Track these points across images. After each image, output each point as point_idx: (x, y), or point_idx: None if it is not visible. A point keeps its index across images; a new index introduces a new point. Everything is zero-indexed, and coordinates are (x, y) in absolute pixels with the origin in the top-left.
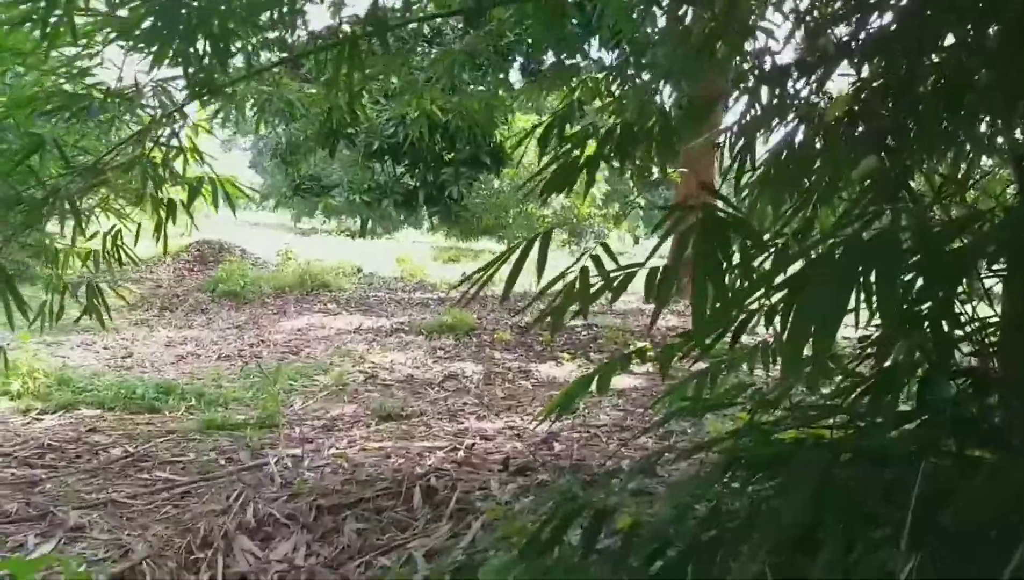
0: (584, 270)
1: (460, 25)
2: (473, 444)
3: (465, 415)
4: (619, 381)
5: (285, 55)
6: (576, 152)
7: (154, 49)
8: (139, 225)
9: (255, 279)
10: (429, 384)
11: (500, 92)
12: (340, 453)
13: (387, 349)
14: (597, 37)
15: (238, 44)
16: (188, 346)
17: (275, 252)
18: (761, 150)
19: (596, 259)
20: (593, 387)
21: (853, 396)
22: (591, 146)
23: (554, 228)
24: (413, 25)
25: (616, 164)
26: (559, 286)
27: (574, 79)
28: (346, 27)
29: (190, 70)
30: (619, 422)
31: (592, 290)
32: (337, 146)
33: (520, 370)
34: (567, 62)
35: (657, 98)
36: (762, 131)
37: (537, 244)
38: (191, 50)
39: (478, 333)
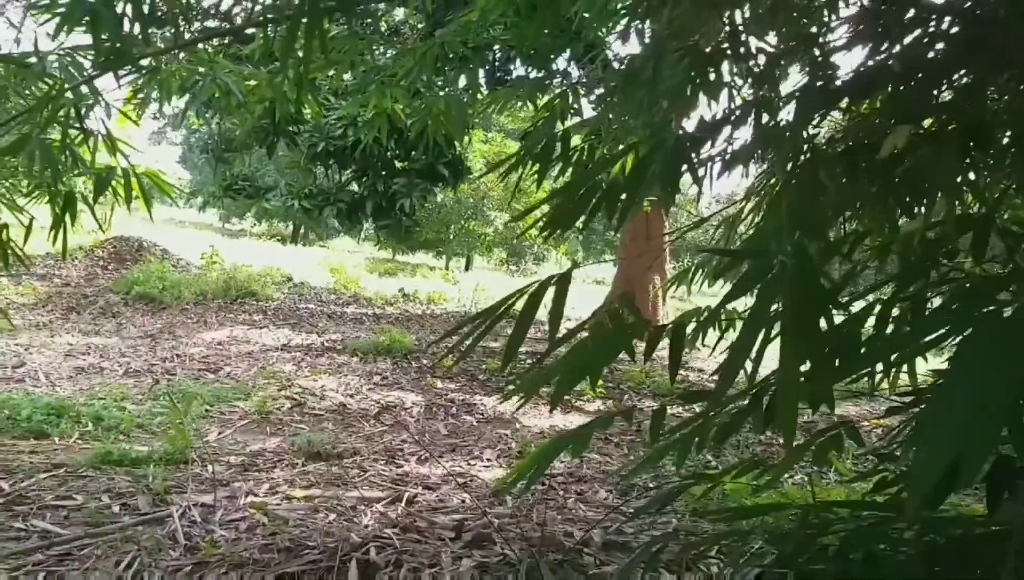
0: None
1: (421, 25)
2: (415, 496)
3: (404, 456)
4: (568, 420)
5: (225, 26)
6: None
7: (61, 7)
8: (31, 220)
9: (175, 282)
10: (364, 416)
11: (476, 95)
12: (259, 503)
13: (317, 371)
14: (568, 50)
15: (167, 7)
16: (91, 357)
17: (199, 254)
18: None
19: (626, 298)
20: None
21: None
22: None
23: (573, 269)
24: (368, 19)
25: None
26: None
27: (546, 92)
28: None
29: (102, 36)
30: (574, 470)
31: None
32: (276, 145)
33: (464, 403)
34: (535, 73)
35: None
36: (753, 160)
37: (552, 288)
38: (107, 11)
39: (417, 356)
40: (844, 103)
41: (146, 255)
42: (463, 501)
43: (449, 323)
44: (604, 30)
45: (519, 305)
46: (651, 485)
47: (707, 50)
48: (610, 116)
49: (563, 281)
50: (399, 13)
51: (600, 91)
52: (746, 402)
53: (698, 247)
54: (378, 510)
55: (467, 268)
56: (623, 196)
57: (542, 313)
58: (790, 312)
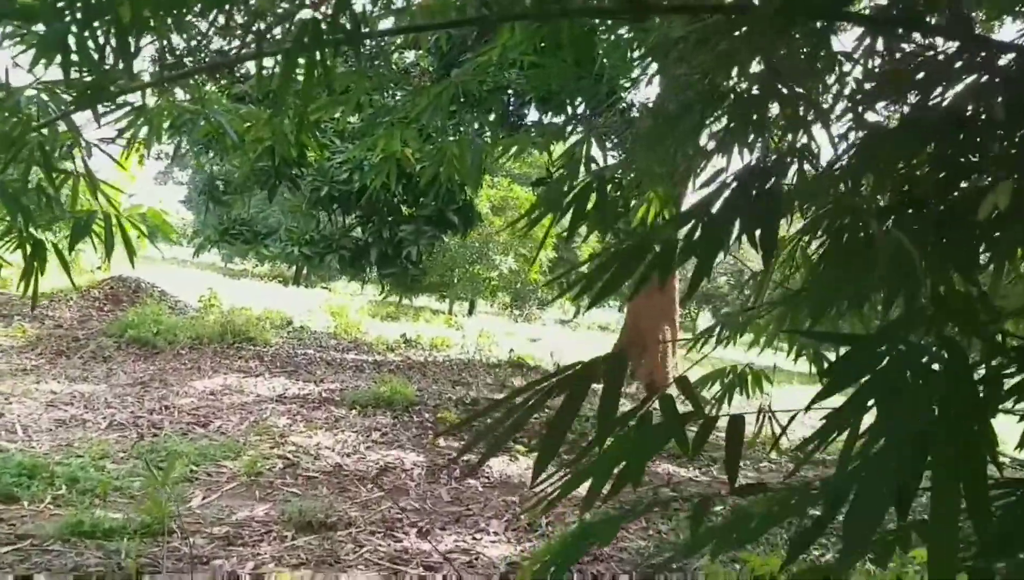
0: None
1: (432, 68)
2: None
3: (404, 528)
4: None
5: (216, 58)
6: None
7: (36, 37)
8: None
9: (170, 326)
10: (361, 479)
11: (491, 138)
12: None
13: (313, 426)
14: (589, 94)
15: (152, 39)
16: (75, 407)
17: (198, 296)
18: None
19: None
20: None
21: None
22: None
23: (624, 351)
24: (377, 60)
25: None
26: None
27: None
28: (307, 12)
29: (73, 71)
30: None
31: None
32: (278, 188)
33: (467, 463)
34: (550, 118)
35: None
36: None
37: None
38: (82, 42)
39: (419, 408)
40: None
41: (143, 296)
42: None
43: (452, 371)
44: (624, 77)
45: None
46: (674, 566)
47: (750, 93)
48: (633, 164)
49: (617, 365)
50: (409, 55)
51: (618, 138)
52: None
53: (742, 309)
54: None
55: (470, 313)
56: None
57: (540, 356)
58: (947, 429)
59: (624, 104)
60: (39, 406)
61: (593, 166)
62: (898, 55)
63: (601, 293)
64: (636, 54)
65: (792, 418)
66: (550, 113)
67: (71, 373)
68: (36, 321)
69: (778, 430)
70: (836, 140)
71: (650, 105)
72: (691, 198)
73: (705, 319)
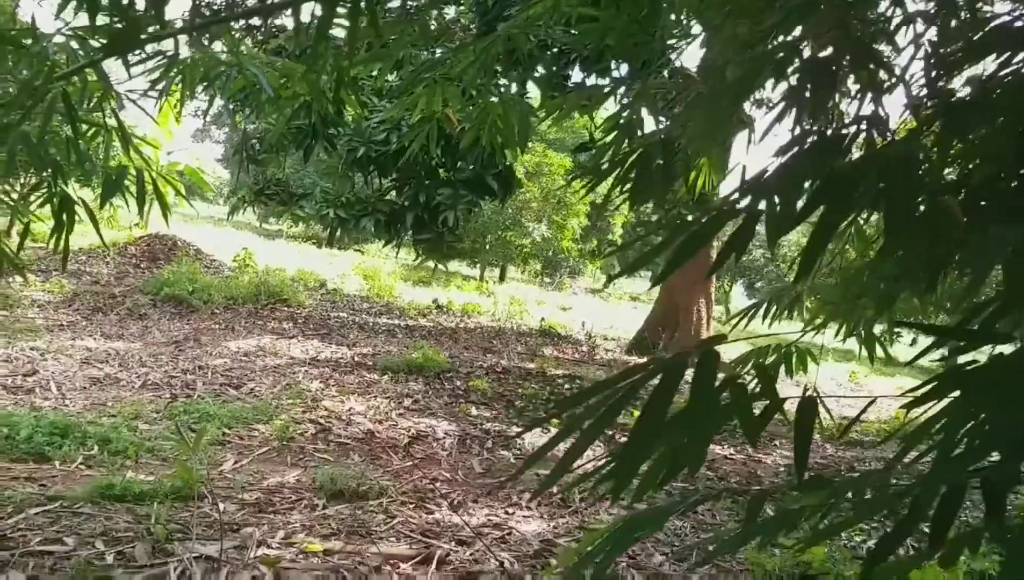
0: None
1: (474, 25)
2: (447, 555)
3: (436, 500)
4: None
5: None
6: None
7: None
8: (26, 224)
9: (206, 285)
10: (393, 447)
11: (542, 99)
12: (271, 559)
13: (345, 391)
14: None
15: None
16: (109, 365)
17: (233, 255)
18: None
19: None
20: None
21: None
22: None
23: (687, 361)
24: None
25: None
26: None
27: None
28: None
29: (102, 16)
30: None
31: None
32: (314, 148)
33: (500, 435)
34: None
35: None
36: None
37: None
38: None
39: (450, 376)
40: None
41: (179, 254)
42: (501, 564)
43: (483, 338)
44: (677, 35)
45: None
46: (710, 547)
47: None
48: (687, 129)
49: (709, 356)
50: (450, 11)
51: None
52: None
53: (824, 287)
54: (405, 572)
55: (501, 279)
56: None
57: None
58: None
59: (675, 65)
60: (74, 363)
61: (639, 132)
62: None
63: (669, 268)
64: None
65: (868, 405)
66: (595, 75)
67: (107, 330)
68: (73, 277)
69: (825, 413)
70: (909, 107)
71: (704, 66)
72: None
73: (738, 292)
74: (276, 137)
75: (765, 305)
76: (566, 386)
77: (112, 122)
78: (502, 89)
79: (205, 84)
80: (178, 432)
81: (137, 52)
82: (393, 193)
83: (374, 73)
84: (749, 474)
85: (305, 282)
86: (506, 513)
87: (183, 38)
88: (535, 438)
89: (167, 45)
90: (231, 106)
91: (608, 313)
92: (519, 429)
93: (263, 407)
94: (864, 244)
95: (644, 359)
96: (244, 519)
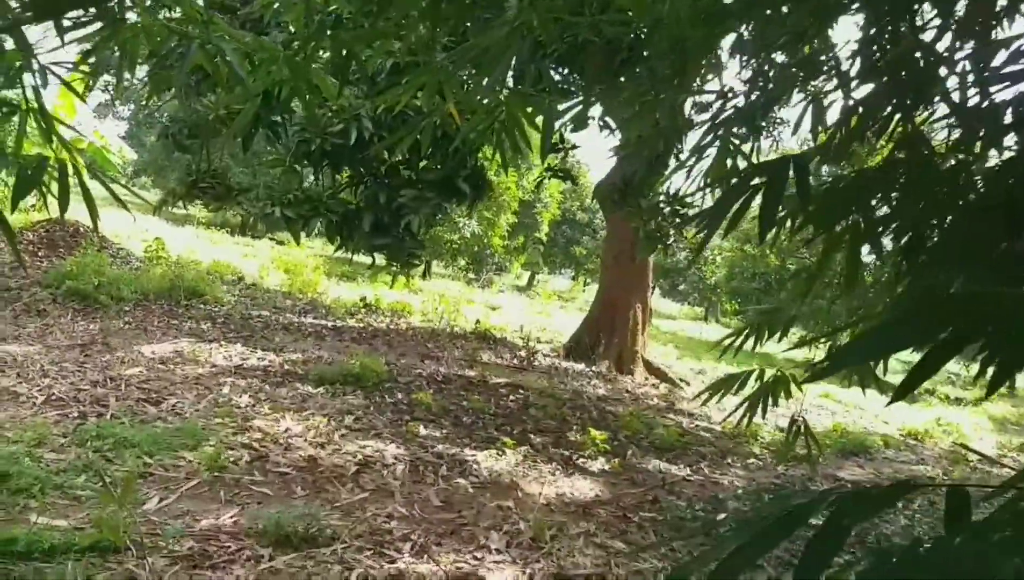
0: None
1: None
2: None
3: (395, 543)
4: (574, 486)
5: None
6: None
7: None
8: None
9: (114, 279)
10: (339, 477)
11: (583, 97)
12: None
13: (279, 407)
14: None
15: None
16: (5, 375)
17: (142, 244)
18: None
19: None
20: None
21: None
22: None
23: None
24: None
25: None
26: None
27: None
28: None
29: None
30: (601, 564)
31: None
32: (254, 138)
33: (454, 460)
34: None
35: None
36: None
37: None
38: None
39: (391, 387)
40: None
41: (83, 242)
42: None
43: (418, 342)
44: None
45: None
46: None
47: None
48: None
49: None
50: None
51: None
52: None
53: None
54: None
55: (425, 275)
56: None
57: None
58: None
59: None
60: None
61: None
62: None
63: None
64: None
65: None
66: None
67: (1, 329)
68: None
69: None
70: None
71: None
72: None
73: (657, 295)
74: (241, 128)
75: (753, 328)
76: (510, 397)
77: (32, 101)
78: (522, 83)
79: (152, 58)
80: (101, 480)
81: (74, 15)
82: (347, 192)
83: (368, 54)
84: (711, 497)
85: (222, 276)
86: (475, 559)
87: None
88: (491, 462)
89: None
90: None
91: (538, 313)
92: (472, 452)
93: (189, 429)
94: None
95: (583, 364)
96: (177, 577)
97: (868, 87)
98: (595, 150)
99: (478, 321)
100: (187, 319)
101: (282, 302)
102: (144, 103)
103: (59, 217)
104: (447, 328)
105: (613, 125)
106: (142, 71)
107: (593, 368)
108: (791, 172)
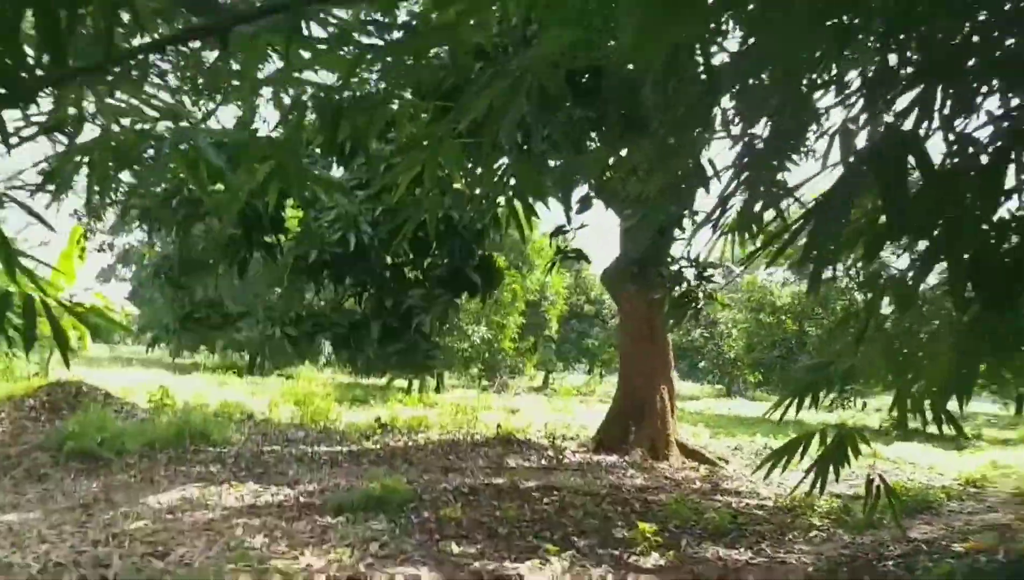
0: None
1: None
2: None
3: None
4: None
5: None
6: None
7: None
8: None
9: (117, 433)
10: None
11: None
12: None
13: (297, 543)
14: None
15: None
16: (0, 548)
17: (145, 397)
18: None
19: None
20: None
21: None
22: None
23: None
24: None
25: None
26: None
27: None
28: None
29: None
30: None
31: None
32: (250, 259)
33: (493, 574)
34: None
35: None
36: None
37: None
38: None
39: (415, 506)
40: None
41: (85, 401)
42: None
43: (439, 455)
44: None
45: None
46: None
47: None
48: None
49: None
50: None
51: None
52: None
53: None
54: None
55: (438, 389)
56: None
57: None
58: None
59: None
60: None
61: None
62: None
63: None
64: None
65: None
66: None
67: None
68: None
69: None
70: None
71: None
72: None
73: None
74: (212, 252)
75: (805, 387)
76: (544, 500)
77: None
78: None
79: (123, 169)
80: None
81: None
82: (352, 301)
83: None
84: (781, 579)
85: (231, 416)
86: None
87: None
88: (535, 574)
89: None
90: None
91: (558, 411)
92: (514, 564)
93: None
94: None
95: (615, 456)
96: None
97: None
98: (591, 238)
99: (499, 425)
100: (195, 464)
101: (294, 434)
102: (144, 263)
103: (43, 373)
104: (468, 437)
105: (599, 201)
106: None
107: (626, 458)
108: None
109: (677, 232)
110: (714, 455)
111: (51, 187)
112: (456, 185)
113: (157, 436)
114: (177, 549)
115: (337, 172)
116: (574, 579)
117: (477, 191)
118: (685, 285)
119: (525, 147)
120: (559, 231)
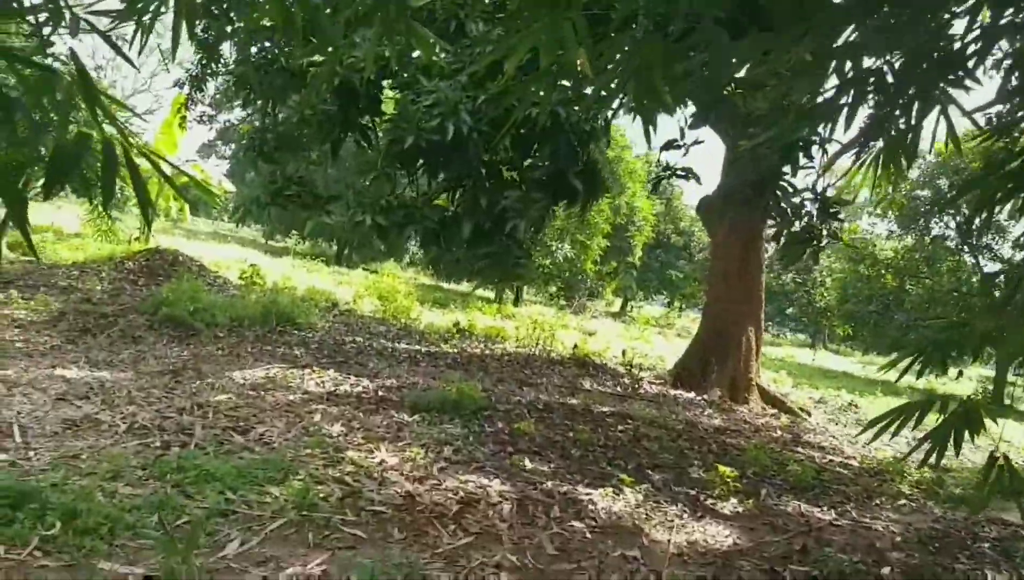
0: None
1: None
2: None
3: None
4: (707, 532)
5: None
6: None
7: None
8: None
9: (209, 305)
10: (440, 517)
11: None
12: None
13: (373, 437)
14: None
15: None
16: (90, 402)
17: (237, 273)
18: None
19: None
20: None
21: None
22: None
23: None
24: None
25: None
26: None
27: None
28: None
29: None
30: None
31: None
32: (343, 141)
33: (566, 498)
34: None
35: None
36: None
37: None
38: None
39: (490, 415)
40: None
41: (181, 270)
42: None
43: (514, 367)
44: None
45: None
46: None
47: None
48: None
49: None
50: None
51: None
52: None
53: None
54: None
55: (516, 302)
56: None
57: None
58: None
59: None
60: (48, 400)
61: None
62: None
63: None
64: None
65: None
66: None
67: (93, 356)
68: (62, 293)
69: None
70: None
71: None
72: None
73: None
74: (324, 79)
75: (931, 350)
76: (618, 427)
77: (71, 66)
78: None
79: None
80: (163, 528)
81: None
82: (444, 196)
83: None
84: (867, 546)
85: (316, 302)
86: None
87: None
88: (608, 502)
89: None
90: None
91: (635, 339)
92: (586, 490)
93: (276, 461)
94: None
95: (692, 393)
96: None
97: None
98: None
99: (576, 346)
100: (280, 345)
101: (376, 328)
102: (242, 141)
103: (144, 237)
104: (544, 354)
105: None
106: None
107: (704, 397)
108: None
109: (803, 160)
110: (796, 405)
111: (133, 20)
112: (580, 57)
113: (246, 313)
114: (257, 427)
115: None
116: (648, 513)
117: (590, 90)
118: (807, 220)
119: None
120: (670, 145)
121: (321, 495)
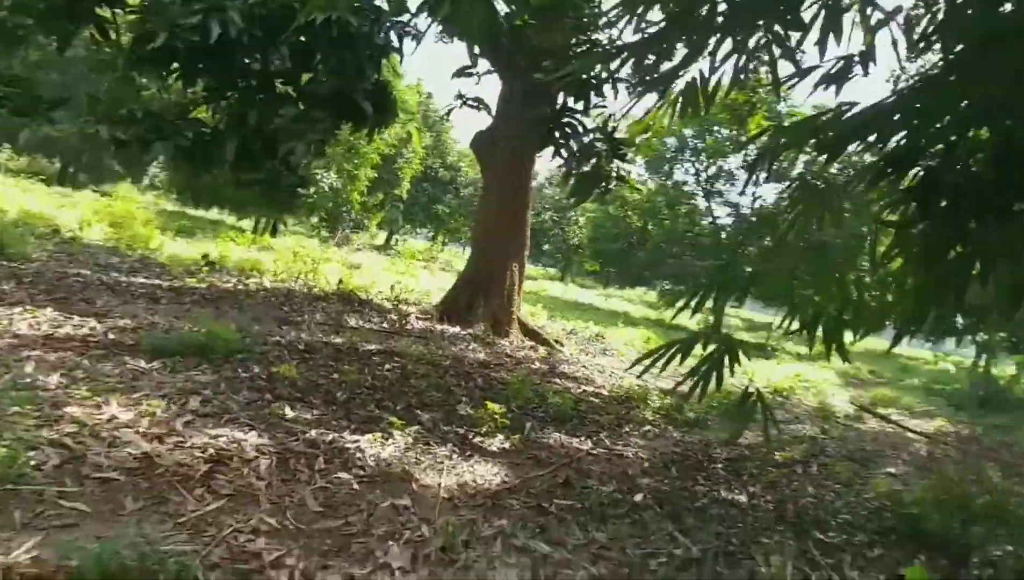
0: None
1: None
2: None
3: (265, 572)
4: (476, 472)
5: None
6: None
7: None
8: None
9: None
10: (185, 480)
11: None
12: None
13: (102, 388)
14: None
15: None
16: None
17: None
18: None
19: None
20: None
21: None
22: None
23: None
24: None
25: None
26: None
27: None
28: None
29: None
30: (528, 574)
31: None
32: (75, 33)
33: (331, 446)
34: None
35: None
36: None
37: None
38: None
39: (245, 359)
40: None
41: None
42: None
43: (272, 305)
44: None
45: None
46: None
47: None
48: None
49: None
50: None
51: None
52: None
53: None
54: None
55: (274, 233)
56: None
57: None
58: None
59: None
60: None
61: None
62: None
63: None
64: None
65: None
66: None
67: None
68: None
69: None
70: None
71: None
72: None
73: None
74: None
75: (707, 288)
76: (386, 366)
77: None
78: None
79: None
80: None
81: None
82: (204, 109)
83: None
84: (621, 473)
85: (33, 228)
86: None
87: None
88: (377, 448)
89: None
90: None
91: (400, 273)
92: (353, 436)
93: None
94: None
95: (458, 328)
96: None
97: None
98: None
99: (340, 281)
100: None
101: (107, 259)
102: None
103: None
104: (305, 289)
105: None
106: None
107: (470, 331)
108: None
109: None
110: (551, 337)
111: None
112: None
113: None
114: None
115: None
116: (418, 456)
117: None
118: (595, 161)
119: None
120: (463, 71)
121: (33, 463)
